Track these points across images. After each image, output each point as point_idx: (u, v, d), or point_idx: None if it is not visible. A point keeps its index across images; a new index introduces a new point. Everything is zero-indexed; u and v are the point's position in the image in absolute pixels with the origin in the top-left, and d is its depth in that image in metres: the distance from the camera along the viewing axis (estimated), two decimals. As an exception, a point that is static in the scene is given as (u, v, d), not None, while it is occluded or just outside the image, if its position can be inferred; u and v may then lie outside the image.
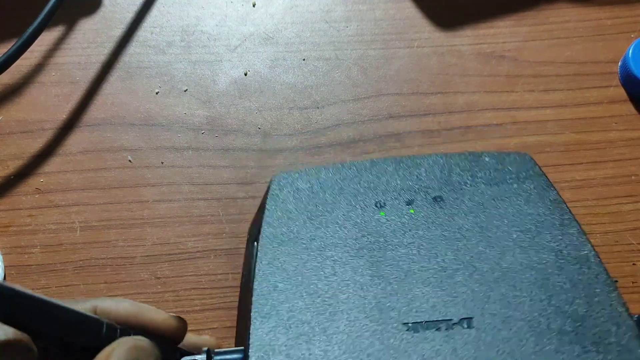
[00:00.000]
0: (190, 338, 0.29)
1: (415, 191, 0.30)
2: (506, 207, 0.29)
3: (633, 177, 0.41)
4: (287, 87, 0.43)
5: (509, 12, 0.45)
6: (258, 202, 0.40)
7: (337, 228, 0.28)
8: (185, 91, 0.43)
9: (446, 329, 0.24)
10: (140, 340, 0.24)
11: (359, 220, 0.28)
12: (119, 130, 0.42)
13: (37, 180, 0.41)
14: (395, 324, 0.24)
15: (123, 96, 0.43)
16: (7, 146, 0.42)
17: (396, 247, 0.27)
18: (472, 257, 0.27)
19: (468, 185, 0.30)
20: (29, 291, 0.21)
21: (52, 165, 0.41)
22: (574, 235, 0.27)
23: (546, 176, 0.30)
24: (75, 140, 0.42)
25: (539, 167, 0.31)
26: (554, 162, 0.41)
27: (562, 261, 0.26)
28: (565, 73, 0.44)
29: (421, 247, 0.27)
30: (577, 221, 0.28)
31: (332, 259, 0.27)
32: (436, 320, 0.24)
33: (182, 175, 0.41)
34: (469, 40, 0.45)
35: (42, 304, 0.21)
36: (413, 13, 0.45)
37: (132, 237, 0.39)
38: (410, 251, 0.27)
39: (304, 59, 0.44)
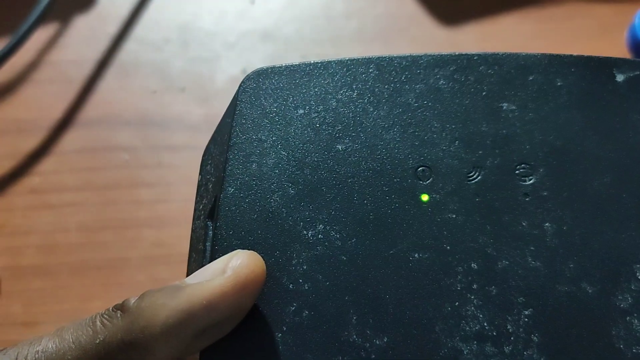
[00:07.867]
0: None
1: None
2: None
3: None
4: (287, 85, 0.43)
5: (513, 9, 0.45)
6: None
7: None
8: (182, 89, 0.43)
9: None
10: None
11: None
12: (115, 129, 0.41)
13: (31, 180, 0.40)
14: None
15: (119, 94, 0.42)
16: (1, 145, 0.41)
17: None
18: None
19: None
20: None
21: (47, 164, 0.41)
22: None
23: None
24: (71, 140, 0.41)
25: None
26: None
27: None
28: (570, 71, 0.43)
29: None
30: None
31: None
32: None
33: (179, 175, 0.40)
34: (473, 37, 0.44)
35: None
36: (415, 9, 0.45)
37: (129, 239, 0.39)
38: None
39: (303, 56, 0.44)
